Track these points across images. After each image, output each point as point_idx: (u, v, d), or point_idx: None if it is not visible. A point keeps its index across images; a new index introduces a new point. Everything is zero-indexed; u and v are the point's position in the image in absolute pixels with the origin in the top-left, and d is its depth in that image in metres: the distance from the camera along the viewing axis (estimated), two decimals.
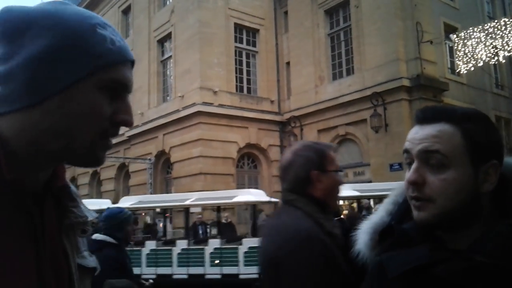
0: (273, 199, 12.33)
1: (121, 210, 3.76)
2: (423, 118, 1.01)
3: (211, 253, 11.36)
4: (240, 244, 11.20)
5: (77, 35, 0.74)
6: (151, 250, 11.91)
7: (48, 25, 0.74)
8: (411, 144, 1.00)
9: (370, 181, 15.40)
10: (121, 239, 3.58)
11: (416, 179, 0.96)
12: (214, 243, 11.55)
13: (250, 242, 10.78)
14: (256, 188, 19.53)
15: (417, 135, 0.99)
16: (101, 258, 3.43)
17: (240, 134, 19.07)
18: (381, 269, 1.04)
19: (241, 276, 10.81)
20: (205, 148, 17.90)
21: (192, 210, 12.73)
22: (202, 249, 11.57)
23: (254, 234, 11.37)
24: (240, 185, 19.30)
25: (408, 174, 0.98)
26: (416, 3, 16.30)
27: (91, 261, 0.93)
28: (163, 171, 20.76)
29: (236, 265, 10.96)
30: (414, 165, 0.98)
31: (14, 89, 0.74)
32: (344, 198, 12.96)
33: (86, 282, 0.91)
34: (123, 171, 23.51)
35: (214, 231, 12.54)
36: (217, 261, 11.20)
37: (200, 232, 13.27)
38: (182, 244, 11.95)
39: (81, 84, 0.75)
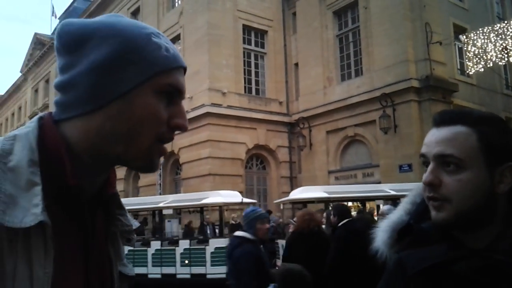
0: (246, 200, 12.44)
1: (253, 209, 4.07)
2: (440, 121, 1.03)
3: (181, 253, 11.77)
4: (207, 244, 11.48)
5: (135, 43, 0.78)
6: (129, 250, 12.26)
7: (108, 35, 0.78)
8: (427, 147, 1.03)
9: (379, 182, 15.34)
10: (255, 235, 3.88)
11: (432, 180, 0.99)
12: (184, 244, 11.89)
13: (217, 242, 10.91)
14: (265, 189, 19.60)
15: (433, 138, 1.02)
16: (241, 253, 3.54)
17: (249, 135, 19.11)
18: (400, 266, 1.07)
19: (208, 276, 11.15)
20: (213, 149, 17.96)
21: (164, 212, 13.04)
22: (173, 249, 11.98)
23: (221, 235, 11.48)
24: (249, 186, 19.34)
25: (424, 175, 1.01)
26: (425, 4, 16.23)
27: (130, 269, 0.97)
28: (172, 172, 20.84)
29: (204, 265, 11.29)
30: (430, 167, 1.00)
31: (77, 95, 0.78)
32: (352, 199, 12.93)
33: None
34: (132, 172, 23.56)
35: (225, 231, 12.65)
36: (186, 261, 11.58)
37: (208, 232, 13.45)
38: (155, 244, 12.36)
39: (140, 89, 0.78)
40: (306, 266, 5.01)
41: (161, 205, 12.75)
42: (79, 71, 0.77)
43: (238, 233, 4.01)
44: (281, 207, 14.97)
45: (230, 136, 18.41)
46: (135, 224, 0.94)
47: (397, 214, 1.18)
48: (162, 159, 19.66)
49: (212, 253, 10.95)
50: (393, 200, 11.64)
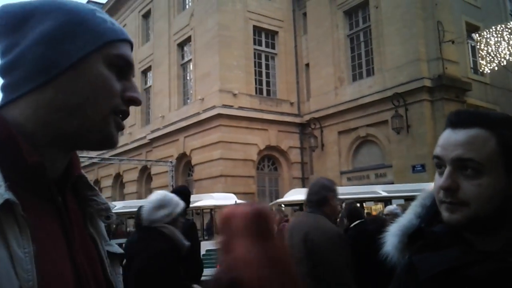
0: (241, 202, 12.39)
1: None
2: (456, 122, 1.00)
3: None
4: None
5: (80, 16, 0.78)
6: None
7: (50, 9, 0.77)
8: (443, 150, 1.00)
9: (392, 183, 15.24)
10: None
11: (450, 185, 0.96)
12: None
13: (208, 245, 10.92)
14: (277, 190, 19.57)
15: (450, 141, 0.99)
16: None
17: (260, 136, 19.11)
18: (411, 270, 1.05)
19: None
20: (225, 151, 17.99)
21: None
22: None
23: (210, 237, 11.45)
24: (261, 187, 19.34)
25: (441, 180, 0.98)
26: (436, 2, 16.08)
27: (116, 248, 0.95)
28: (185, 173, 20.93)
29: None
30: (447, 171, 0.97)
31: (24, 71, 0.75)
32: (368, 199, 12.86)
33: (117, 267, 0.93)
34: (145, 173, 23.77)
35: None
36: None
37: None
38: None
39: (90, 59, 0.77)
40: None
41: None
42: (24, 47, 0.75)
43: None
44: (273, 209, 14.97)
45: (241, 137, 18.43)
46: (112, 204, 0.92)
47: (407, 217, 1.16)
48: (174, 161, 19.83)
49: (203, 255, 10.95)
50: (385, 202, 11.63)
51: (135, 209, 9.44)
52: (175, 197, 3.14)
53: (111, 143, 0.82)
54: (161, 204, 3.00)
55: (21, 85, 0.76)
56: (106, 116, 0.79)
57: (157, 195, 3.11)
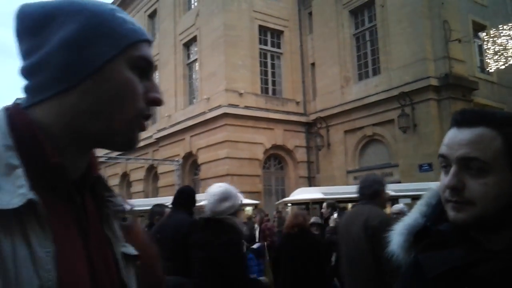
0: (246, 201, 12.46)
1: None
2: (462, 121, 1.00)
3: None
4: None
5: (102, 18, 0.77)
6: None
7: (72, 11, 0.76)
8: (449, 149, 1.00)
9: (399, 182, 15.18)
10: None
11: (455, 184, 0.96)
12: None
13: None
14: (283, 189, 19.55)
15: (456, 140, 0.99)
16: None
17: (266, 135, 19.10)
18: (417, 269, 1.05)
19: None
20: (231, 150, 18.00)
21: None
22: None
23: None
24: (267, 186, 19.33)
25: (447, 178, 0.98)
26: (443, 1, 15.99)
27: (131, 249, 0.94)
28: (191, 172, 20.96)
29: None
30: (453, 170, 0.97)
31: (48, 75, 0.76)
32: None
33: (131, 269, 0.93)
34: (151, 172, 23.83)
35: None
36: None
37: None
38: None
39: (114, 63, 0.77)
40: (295, 267, 5.05)
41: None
42: (48, 50, 0.75)
43: None
44: (279, 208, 14.96)
45: (247, 136, 18.44)
46: (128, 205, 0.93)
47: (413, 216, 1.16)
48: (180, 160, 19.86)
49: None
50: (392, 201, 11.57)
51: (143, 208, 9.45)
52: (234, 189, 3.32)
53: (132, 146, 0.83)
54: (225, 197, 3.18)
55: (45, 89, 0.76)
56: (131, 119, 0.80)
57: (219, 187, 3.28)
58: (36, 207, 0.68)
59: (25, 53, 0.78)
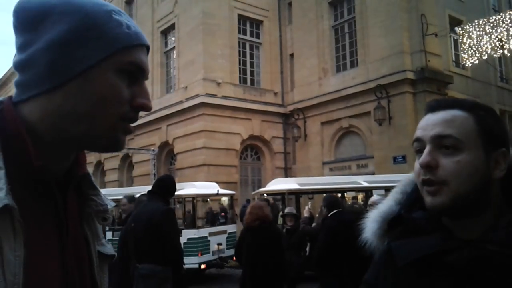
0: (222, 192, 12.54)
1: None
2: (436, 106, 1.02)
3: None
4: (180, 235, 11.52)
5: (95, 20, 0.77)
6: None
7: (66, 11, 0.76)
8: (423, 131, 1.01)
9: (373, 174, 15.39)
10: None
11: (429, 162, 0.96)
12: None
13: (189, 233, 10.91)
14: (259, 179, 19.62)
15: (430, 121, 1.00)
16: None
17: (244, 125, 19.09)
18: (389, 257, 1.06)
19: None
20: (208, 140, 17.93)
21: None
22: None
23: (193, 226, 11.50)
24: (243, 177, 19.36)
25: (421, 157, 0.98)
26: None
27: (109, 248, 0.96)
28: (167, 162, 20.82)
29: None
30: (427, 149, 0.98)
31: (36, 73, 0.76)
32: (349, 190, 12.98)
33: (105, 268, 0.94)
34: (126, 161, 23.57)
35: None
36: None
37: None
38: None
39: (101, 66, 0.77)
40: (255, 260, 5.08)
41: (137, 196, 12.72)
42: (37, 48, 0.75)
43: None
44: (255, 198, 15.10)
45: (224, 126, 18.39)
46: (111, 204, 0.93)
47: (387, 204, 1.16)
48: (156, 150, 19.69)
49: (184, 243, 10.89)
50: (366, 192, 11.77)
51: (116, 197, 9.33)
52: None
53: (117, 148, 0.82)
54: None
55: (31, 87, 0.77)
56: (114, 123, 0.79)
57: None
58: (12, 212, 0.69)
59: (19, 48, 0.79)
